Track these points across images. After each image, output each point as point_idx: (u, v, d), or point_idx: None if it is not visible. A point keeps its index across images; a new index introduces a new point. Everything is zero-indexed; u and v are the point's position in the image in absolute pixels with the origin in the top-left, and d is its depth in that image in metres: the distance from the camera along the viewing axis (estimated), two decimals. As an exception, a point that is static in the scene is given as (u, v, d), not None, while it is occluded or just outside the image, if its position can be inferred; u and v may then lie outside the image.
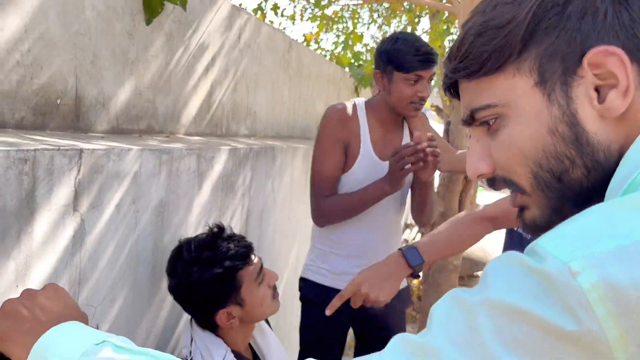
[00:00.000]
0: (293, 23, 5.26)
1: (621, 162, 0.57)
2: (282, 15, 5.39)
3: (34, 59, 1.28)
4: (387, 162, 1.78)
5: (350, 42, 5.90)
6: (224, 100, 2.28)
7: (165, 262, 1.42)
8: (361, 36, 6.03)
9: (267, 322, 1.71)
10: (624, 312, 0.44)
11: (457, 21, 3.84)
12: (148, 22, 1.68)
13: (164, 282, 1.44)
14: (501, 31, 0.59)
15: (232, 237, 1.46)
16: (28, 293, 0.77)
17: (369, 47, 6.44)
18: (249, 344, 1.58)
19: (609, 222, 0.49)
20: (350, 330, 2.06)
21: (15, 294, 0.92)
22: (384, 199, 1.85)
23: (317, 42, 6.09)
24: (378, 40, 6.26)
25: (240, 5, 5.26)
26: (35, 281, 1.00)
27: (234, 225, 1.90)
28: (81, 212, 1.13)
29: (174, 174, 1.48)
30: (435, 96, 9.44)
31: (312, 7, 5.37)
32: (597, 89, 0.57)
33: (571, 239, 0.49)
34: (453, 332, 0.51)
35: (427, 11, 5.55)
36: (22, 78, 1.25)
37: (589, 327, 0.45)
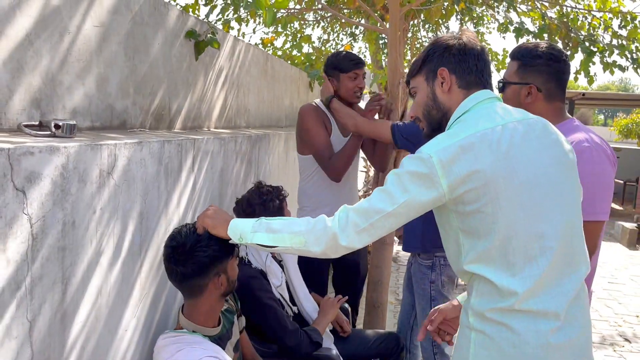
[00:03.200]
0: (254, 31, 6.23)
1: (452, 116, 1.60)
2: (246, 25, 6.33)
3: (153, 90, 2.29)
4: (346, 137, 2.91)
5: (297, 41, 6.91)
6: (232, 103, 3.31)
7: (228, 205, 2.46)
8: (309, 37, 7.04)
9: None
10: (445, 170, 1.44)
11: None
12: (197, 59, 2.70)
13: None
14: (417, 61, 1.67)
15: (271, 186, 2.48)
16: (211, 209, 1.75)
17: (316, 46, 7.45)
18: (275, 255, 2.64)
19: (442, 139, 1.50)
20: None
21: (177, 216, 1.95)
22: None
23: (272, 45, 7.06)
24: (324, 41, 7.26)
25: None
26: (183, 203, 2.04)
27: (249, 185, 2.96)
28: (195, 172, 2.16)
29: (225, 153, 2.52)
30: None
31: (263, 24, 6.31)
32: (441, 83, 1.62)
33: (431, 145, 1.49)
34: (379, 189, 1.58)
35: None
36: (150, 101, 2.27)
37: (432, 172, 1.39)
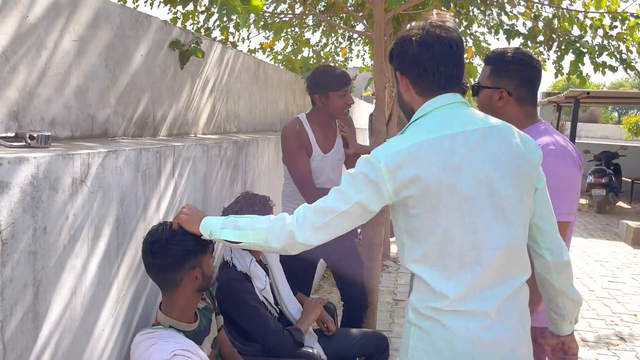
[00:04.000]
0: (248, 37, 6.33)
1: (415, 113, 1.63)
2: (246, 32, 6.43)
3: (137, 99, 2.38)
4: (328, 154, 3.01)
5: (298, 46, 7.00)
6: (221, 109, 3.40)
7: (207, 210, 2.55)
8: (308, 41, 7.12)
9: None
10: (391, 175, 1.53)
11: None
12: (182, 68, 2.79)
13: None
14: (388, 57, 1.71)
15: (255, 196, 2.56)
16: (187, 207, 1.85)
17: (316, 50, 7.51)
18: (260, 259, 2.72)
19: (393, 143, 1.56)
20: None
21: (157, 219, 2.04)
22: (329, 170, 3.05)
23: (271, 49, 7.16)
24: (322, 45, 7.33)
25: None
26: (163, 207, 2.13)
27: (237, 190, 3.04)
28: (175, 177, 2.25)
29: (209, 158, 2.61)
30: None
31: (266, 33, 6.40)
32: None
33: (383, 149, 1.56)
34: (335, 189, 1.64)
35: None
36: (133, 110, 2.36)
37: (379, 178, 1.49)
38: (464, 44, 1.80)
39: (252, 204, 2.47)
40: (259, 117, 4.21)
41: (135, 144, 2.06)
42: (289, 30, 7.64)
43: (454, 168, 1.45)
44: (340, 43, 7.44)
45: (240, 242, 1.66)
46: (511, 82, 2.07)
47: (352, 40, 7.24)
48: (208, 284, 1.95)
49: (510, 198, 1.51)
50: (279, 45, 7.71)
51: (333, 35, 7.04)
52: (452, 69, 1.57)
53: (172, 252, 1.82)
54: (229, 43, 6.77)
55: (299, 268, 3.08)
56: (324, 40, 7.13)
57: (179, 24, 6.52)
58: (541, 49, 4.86)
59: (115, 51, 2.19)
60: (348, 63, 7.66)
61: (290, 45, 7.66)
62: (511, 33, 4.66)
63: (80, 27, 1.97)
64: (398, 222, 1.55)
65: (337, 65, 6.58)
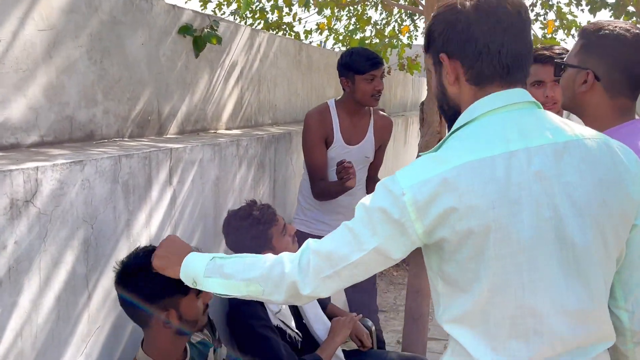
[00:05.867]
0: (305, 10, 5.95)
1: (460, 116, 1.12)
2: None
3: (135, 95, 2.09)
4: (354, 146, 2.61)
5: (360, 24, 6.55)
6: (252, 100, 3.07)
7: (221, 217, 2.24)
8: (369, 19, 6.66)
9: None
10: (420, 213, 1.09)
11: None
12: (197, 56, 2.48)
13: (220, 229, 2.26)
14: (425, 36, 1.25)
15: (261, 207, 2.21)
16: (164, 244, 1.47)
17: (379, 29, 7.04)
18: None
19: (424, 165, 1.09)
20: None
21: (147, 235, 1.74)
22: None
23: (330, 29, 6.76)
24: (384, 23, 6.85)
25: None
26: (156, 221, 1.84)
27: (264, 190, 2.72)
28: (174, 185, 1.95)
29: (222, 159, 2.29)
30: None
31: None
32: (447, 73, 1.14)
33: (408, 174, 1.07)
34: (346, 225, 1.19)
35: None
36: (131, 107, 2.07)
37: (404, 216, 1.04)
38: (544, 16, 1.28)
39: (243, 217, 2.13)
40: (301, 105, 3.85)
41: (118, 150, 1.77)
42: (351, 8, 7.23)
43: (509, 203, 1.02)
44: (404, 20, 6.91)
45: (232, 295, 1.30)
46: (602, 64, 1.56)
47: (412, 18, 6.69)
48: (193, 328, 1.62)
49: (588, 247, 1.06)
50: (340, 25, 7.27)
51: (396, 12, 6.53)
52: (522, 47, 1.11)
53: (138, 288, 1.51)
54: (285, 25, 6.46)
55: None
56: (385, 19, 6.64)
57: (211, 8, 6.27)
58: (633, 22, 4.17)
59: (102, 41, 1.90)
60: (413, 41, 7.11)
61: (352, 25, 7.23)
62: (596, 3, 4.01)
63: (52, 12, 1.69)
64: (431, 265, 1.14)
65: (399, 45, 6.07)
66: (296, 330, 2.30)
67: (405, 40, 6.86)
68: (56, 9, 1.70)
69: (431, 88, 1.29)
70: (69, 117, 1.79)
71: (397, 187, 1.06)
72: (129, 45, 2.04)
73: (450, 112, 1.20)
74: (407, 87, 7.86)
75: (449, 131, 1.18)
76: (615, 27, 1.57)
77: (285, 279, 1.20)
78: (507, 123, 1.08)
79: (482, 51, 1.09)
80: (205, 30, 2.41)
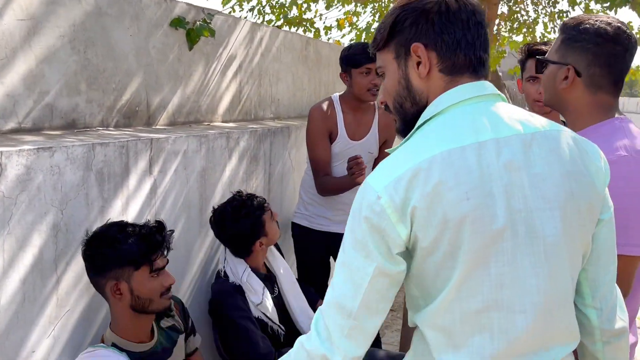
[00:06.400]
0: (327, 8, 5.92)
1: (425, 110, 1.06)
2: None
3: (121, 85, 2.13)
4: (357, 141, 2.58)
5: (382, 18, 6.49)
6: (251, 94, 3.09)
7: (208, 208, 2.26)
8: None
9: (279, 249, 2.53)
10: (400, 214, 0.96)
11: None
12: (190, 49, 2.50)
13: (207, 221, 2.28)
14: (382, 28, 1.10)
15: (250, 196, 2.25)
16: None
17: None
18: (264, 263, 2.40)
19: (393, 163, 1.00)
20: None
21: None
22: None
23: (351, 24, 6.72)
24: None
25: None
26: (134, 209, 1.86)
27: (257, 184, 2.73)
28: (154, 174, 1.98)
29: (210, 151, 2.31)
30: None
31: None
32: (418, 63, 1.07)
33: (379, 175, 1.00)
34: (340, 262, 1.05)
35: None
36: (117, 97, 2.11)
37: (384, 222, 0.96)
38: (567, 13, 1.20)
39: (232, 208, 2.17)
40: (307, 101, 3.85)
41: (95, 138, 1.80)
42: (375, 4, 7.16)
43: (483, 194, 0.97)
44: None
45: None
46: (582, 59, 1.51)
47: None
48: (144, 306, 1.66)
49: (556, 238, 1.02)
50: (362, 21, 7.22)
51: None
52: (485, 43, 1.10)
53: (93, 255, 1.61)
54: (305, 21, 6.46)
55: (309, 259, 2.80)
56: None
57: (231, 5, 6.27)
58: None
59: (86, 32, 1.94)
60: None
61: (376, 21, 7.17)
62: (615, 1, 3.89)
63: (31, 4, 1.73)
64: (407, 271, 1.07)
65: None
66: (278, 323, 2.30)
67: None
68: (36, 0, 1.74)
69: (385, 87, 1.21)
70: (49, 105, 1.83)
71: (372, 193, 0.99)
72: (115, 37, 2.07)
73: (413, 110, 1.11)
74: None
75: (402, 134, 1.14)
76: (596, 20, 1.52)
77: (314, 357, 1.06)
78: (476, 114, 1.04)
79: (461, 42, 1.06)
80: (198, 23, 2.43)
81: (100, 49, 2.01)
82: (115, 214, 1.83)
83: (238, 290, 2.16)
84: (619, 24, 1.51)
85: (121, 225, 1.66)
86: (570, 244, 1.04)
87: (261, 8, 6.14)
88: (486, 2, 6.13)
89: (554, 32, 6.53)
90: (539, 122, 1.07)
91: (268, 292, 2.27)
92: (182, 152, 2.13)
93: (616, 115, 1.55)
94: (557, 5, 5.57)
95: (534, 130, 1.04)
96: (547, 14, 6.42)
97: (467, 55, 1.07)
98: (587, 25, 1.52)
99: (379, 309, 1.03)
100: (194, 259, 2.29)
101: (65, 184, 1.62)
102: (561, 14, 5.82)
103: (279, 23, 6.24)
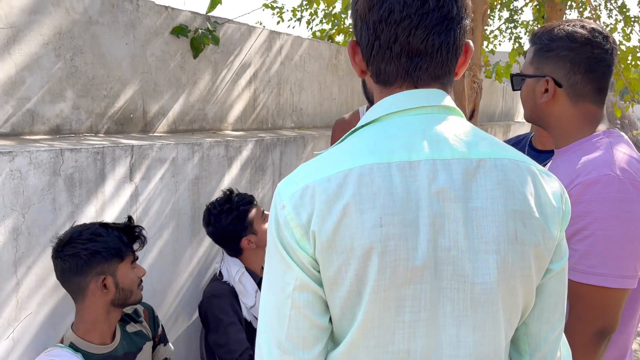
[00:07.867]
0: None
1: (362, 118, 0.93)
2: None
3: (113, 93, 2.16)
4: None
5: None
6: (269, 102, 3.05)
7: (201, 216, 2.23)
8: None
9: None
10: (303, 230, 0.82)
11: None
12: (195, 56, 2.50)
13: (202, 229, 2.25)
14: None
15: (239, 194, 2.22)
16: None
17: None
18: (263, 267, 2.34)
19: (308, 170, 0.87)
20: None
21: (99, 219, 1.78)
22: None
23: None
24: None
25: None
26: (110, 215, 1.87)
27: (264, 193, 2.68)
28: (135, 181, 1.98)
29: (205, 159, 2.29)
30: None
31: None
32: None
33: (290, 181, 0.87)
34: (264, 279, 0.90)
35: None
36: (108, 104, 2.14)
37: (288, 237, 0.84)
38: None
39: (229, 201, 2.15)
40: (337, 110, 3.77)
41: (68, 144, 1.83)
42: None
43: (402, 223, 0.82)
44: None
45: None
46: (560, 68, 1.36)
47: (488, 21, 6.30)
48: (126, 299, 1.66)
49: (488, 286, 0.84)
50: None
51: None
52: (423, 40, 0.87)
53: (75, 253, 1.58)
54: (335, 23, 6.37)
55: None
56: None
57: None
58: None
59: (73, 39, 1.98)
60: (497, 47, 6.71)
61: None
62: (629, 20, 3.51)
63: (10, 13, 1.78)
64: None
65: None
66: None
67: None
68: (16, 8, 1.80)
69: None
70: (29, 111, 1.88)
71: (279, 199, 0.87)
72: (106, 45, 2.10)
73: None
74: (494, 96, 7.44)
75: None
76: (568, 25, 1.37)
77: None
78: (413, 128, 0.87)
79: (374, 44, 0.89)
80: (200, 31, 2.43)
81: (90, 57, 2.04)
82: (87, 219, 1.84)
83: (233, 292, 2.12)
84: (593, 26, 1.34)
85: (96, 224, 1.66)
86: (508, 295, 0.86)
87: (310, 19, 6.14)
88: (550, 9, 5.80)
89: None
90: (495, 147, 0.88)
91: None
92: (170, 160, 2.12)
93: (605, 128, 1.37)
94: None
95: (483, 157, 0.86)
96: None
97: (392, 54, 0.89)
98: (559, 32, 1.36)
99: (314, 330, 0.86)
100: (184, 267, 2.27)
101: (28, 188, 1.65)
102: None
103: (332, 32, 6.22)
